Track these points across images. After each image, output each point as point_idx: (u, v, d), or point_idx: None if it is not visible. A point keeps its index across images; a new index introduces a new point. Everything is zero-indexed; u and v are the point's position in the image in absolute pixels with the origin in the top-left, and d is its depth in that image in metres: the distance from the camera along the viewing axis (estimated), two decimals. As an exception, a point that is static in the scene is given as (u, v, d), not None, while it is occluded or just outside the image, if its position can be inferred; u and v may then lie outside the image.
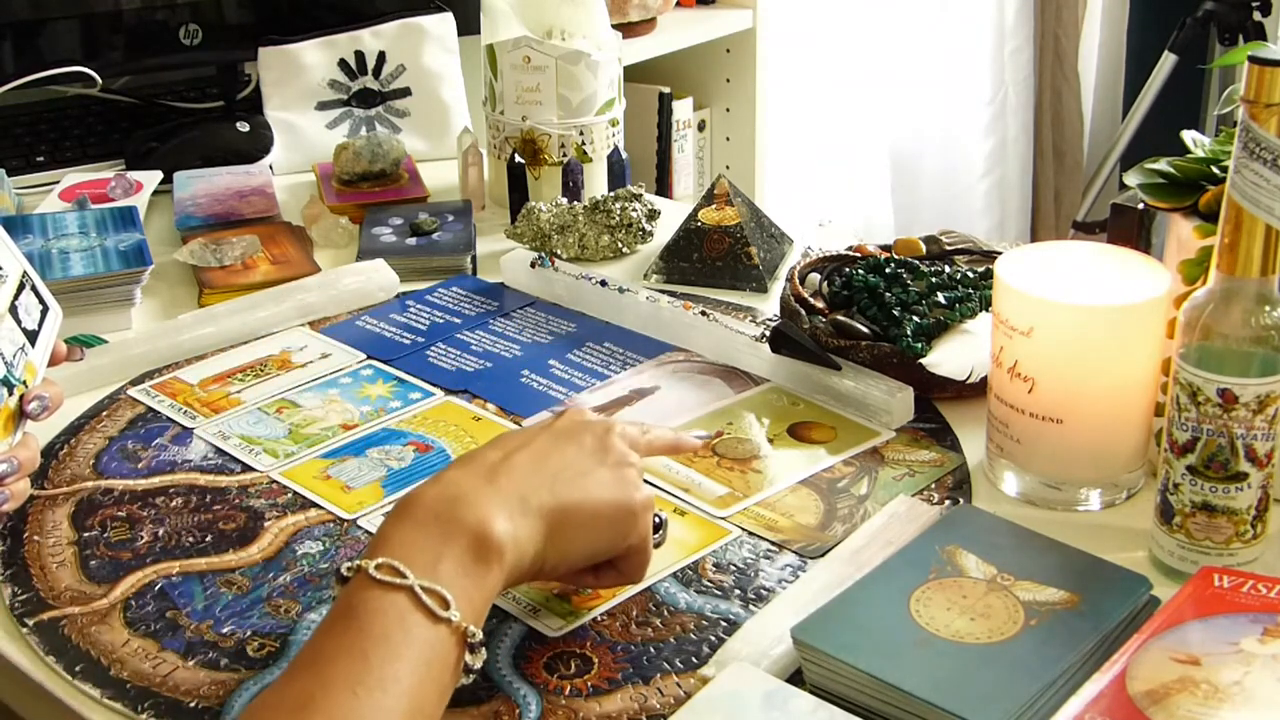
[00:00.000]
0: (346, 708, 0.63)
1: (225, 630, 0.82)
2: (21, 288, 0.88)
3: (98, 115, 1.63)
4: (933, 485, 0.94)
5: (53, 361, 0.91)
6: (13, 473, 0.85)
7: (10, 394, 0.84)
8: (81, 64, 1.55)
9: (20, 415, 0.86)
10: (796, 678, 0.75)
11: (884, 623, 0.75)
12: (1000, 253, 1.12)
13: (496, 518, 0.72)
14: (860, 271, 1.09)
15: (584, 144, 1.40)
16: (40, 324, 0.89)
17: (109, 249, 1.23)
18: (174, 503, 0.95)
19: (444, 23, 1.64)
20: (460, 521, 0.71)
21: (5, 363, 0.84)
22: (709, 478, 0.95)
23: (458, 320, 1.20)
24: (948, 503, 0.92)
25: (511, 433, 0.81)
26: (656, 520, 0.83)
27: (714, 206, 1.28)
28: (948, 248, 1.17)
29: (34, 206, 1.42)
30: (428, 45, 1.63)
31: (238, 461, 0.99)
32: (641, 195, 1.34)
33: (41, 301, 0.90)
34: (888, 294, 1.06)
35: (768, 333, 1.07)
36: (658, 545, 0.83)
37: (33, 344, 0.88)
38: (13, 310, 0.86)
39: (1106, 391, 0.88)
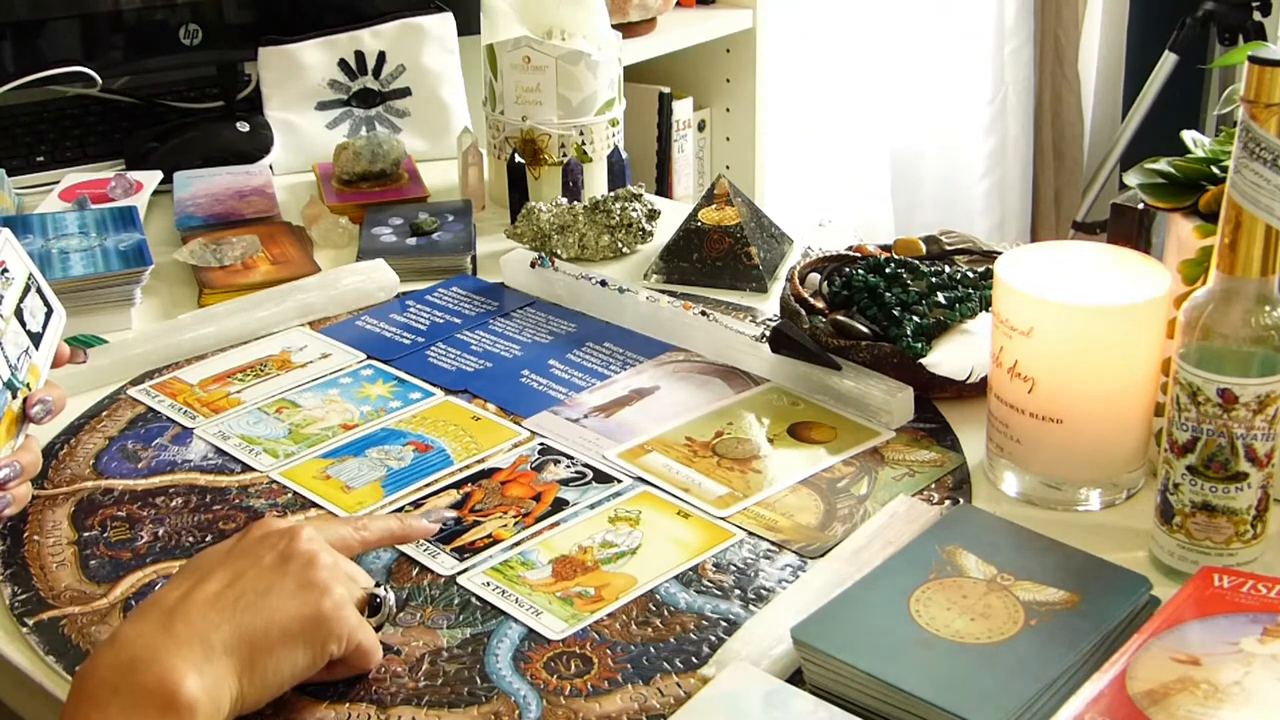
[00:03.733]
0: None
1: (225, 630, 0.82)
2: (27, 290, 0.88)
3: (98, 115, 1.63)
4: (933, 485, 0.94)
5: (56, 363, 0.91)
6: (14, 477, 0.85)
7: (14, 397, 0.84)
8: (81, 64, 1.55)
9: (23, 419, 0.86)
10: (796, 678, 0.75)
11: (884, 623, 0.75)
12: (1000, 253, 1.12)
13: (181, 674, 0.66)
14: (860, 271, 1.09)
15: (584, 144, 1.40)
16: (44, 326, 0.89)
17: (109, 249, 1.23)
18: (174, 503, 0.95)
19: (444, 23, 1.64)
20: (141, 689, 0.66)
21: (10, 366, 0.84)
22: (709, 478, 0.95)
23: (458, 320, 1.20)
24: (948, 503, 0.92)
25: (198, 558, 0.76)
26: (375, 600, 0.78)
27: (714, 206, 1.28)
28: (948, 248, 1.17)
29: (34, 206, 1.42)
30: (428, 45, 1.63)
31: (238, 461, 0.99)
32: (641, 195, 1.34)
33: (46, 304, 0.90)
34: (888, 294, 1.06)
35: (768, 333, 1.07)
36: (381, 625, 0.79)
37: (37, 346, 0.88)
38: (18, 313, 0.86)
39: (1106, 391, 0.88)
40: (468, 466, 0.98)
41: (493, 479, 0.96)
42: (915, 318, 1.03)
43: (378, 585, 0.79)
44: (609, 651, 0.79)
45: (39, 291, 0.90)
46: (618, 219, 1.31)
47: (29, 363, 0.87)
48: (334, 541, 0.78)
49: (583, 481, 0.95)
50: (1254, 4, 2.72)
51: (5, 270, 0.86)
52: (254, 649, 0.70)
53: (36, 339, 0.88)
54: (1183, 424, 0.80)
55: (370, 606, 0.77)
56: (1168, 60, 2.82)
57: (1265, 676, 0.68)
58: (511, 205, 1.38)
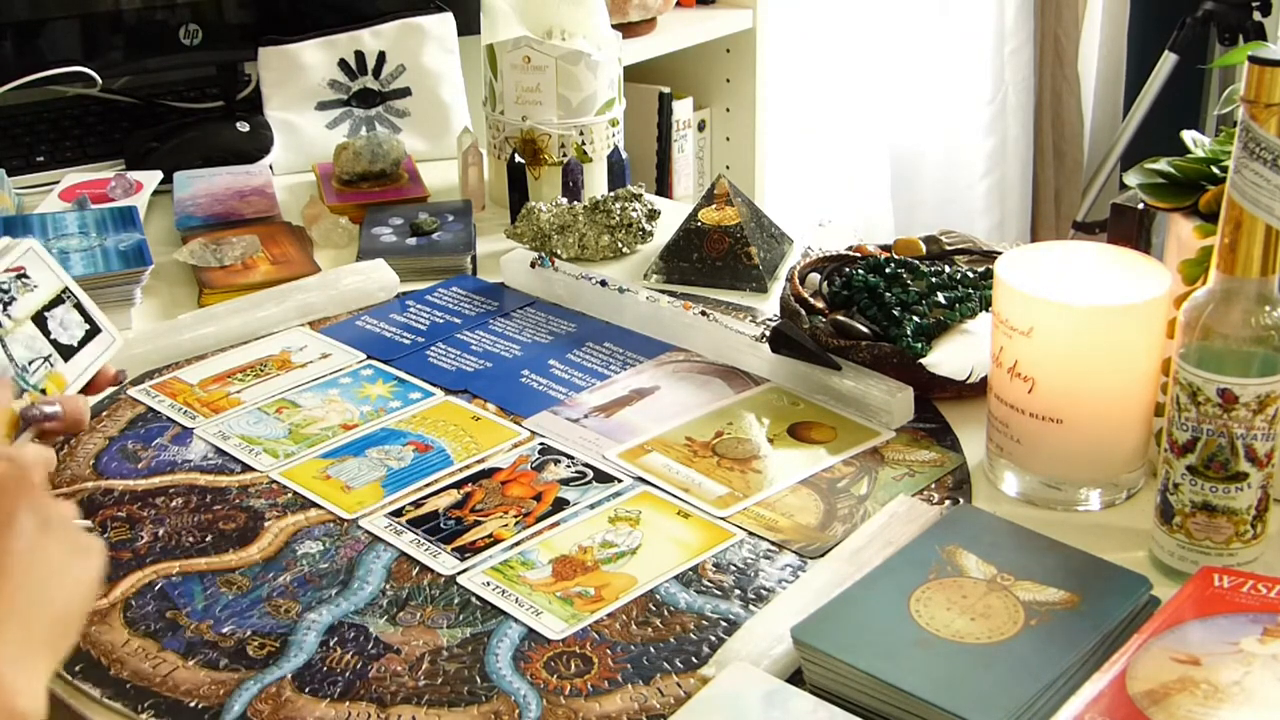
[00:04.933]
0: None
1: (225, 630, 0.82)
2: (58, 301, 0.90)
3: (98, 115, 1.63)
4: (933, 485, 0.94)
5: (95, 386, 0.92)
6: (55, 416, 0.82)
7: (18, 397, 0.84)
8: (81, 64, 1.55)
9: (25, 423, 0.84)
10: (796, 678, 0.75)
11: (884, 623, 0.75)
12: (1000, 253, 1.12)
13: (14, 685, 0.62)
14: (860, 271, 1.09)
15: (584, 144, 1.40)
16: (82, 343, 0.91)
17: (109, 249, 1.23)
18: (174, 503, 0.95)
19: (444, 23, 1.64)
20: None
21: (17, 366, 0.85)
22: (709, 478, 0.95)
23: (458, 320, 1.20)
24: (948, 503, 0.92)
25: None
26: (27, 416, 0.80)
27: (714, 206, 1.28)
28: (948, 248, 1.17)
29: (34, 206, 1.42)
30: (428, 45, 1.62)
31: (238, 461, 0.99)
32: (641, 195, 1.34)
33: (89, 323, 0.92)
34: (888, 294, 1.06)
35: (768, 333, 1.07)
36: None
37: (66, 358, 0.89)
38: (41, 320, 0.88)
39: (1106, 391, 0.88)
40: (468, 466, 0.98)
41: (493, 479, 0.96)
42: (915, 318, 1.03)
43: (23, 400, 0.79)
44: (609, 651, 0.79)
45: (79, 308, 0.92)
46: (618, 219, 1.31)
47: (47, 370, 0.88)
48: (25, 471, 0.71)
49: (583, 481, 0.95)
50: (1254, 4, 2.72)
51: (23, 276, 0.88)
52: (65, 632, 0.66)
53: (67, 352, 0.90)
54: (1183, 424, 0.80)
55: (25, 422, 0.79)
56: (1168, 60, 2.82)
57: (1265, 676, 0.68)
58: (511, 205, 1.38)
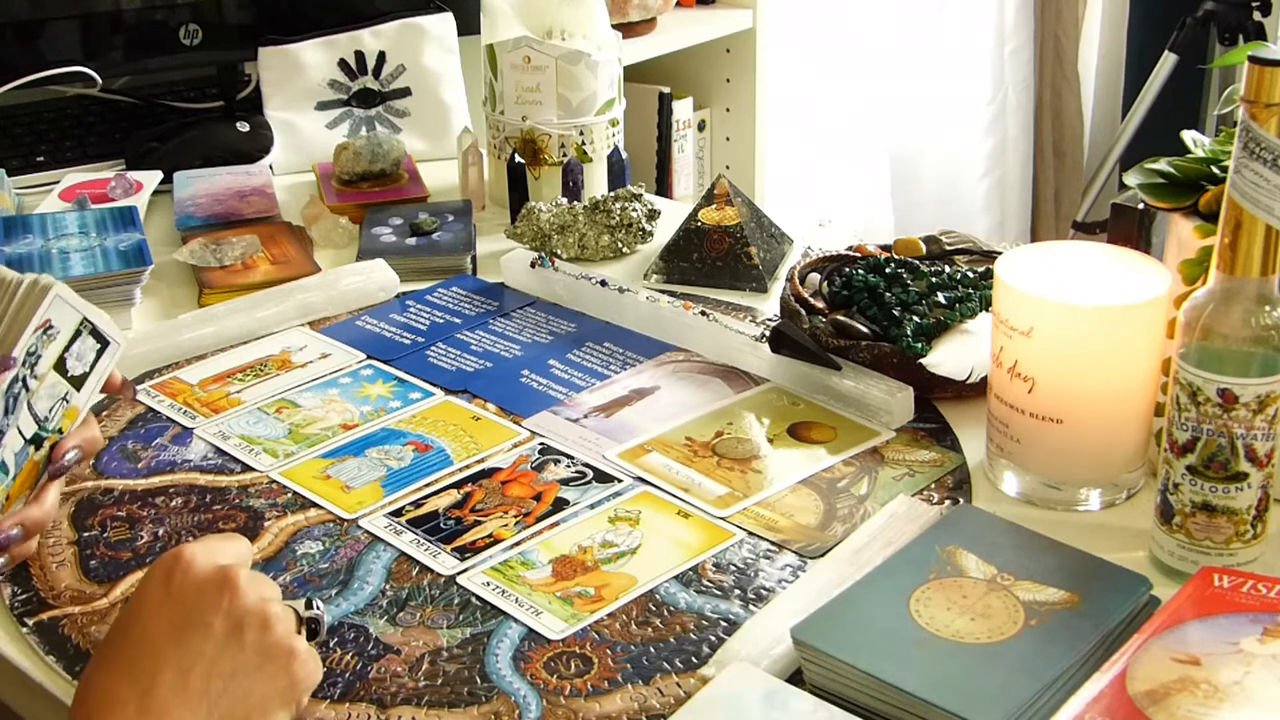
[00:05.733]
0: None
1: (225, 630, 0.82)
2: (76, 335, 0.86)
3: (98, 115, 1.63)
4: (933, 485, 0.94)
5: (105, 389, 0.89)
6: (16, 540, 0.82)
7: (39, 449, 0.83)
8: (81, 64, 1.55)
9: (47, 465, 0.83)
10: (796, 678, 0.75)
11: (884, 623, 0.75)
12: (1000, 253, 1.12)
13: None
14: (860, 271, 1.09)
15: (584, 144, 1.40)
16: (93, 364, 0.87)
17: (109, 249, 1.23)
18: (174, 503, 0.95)
19: (444, 23, 1.64)
20: None
21: (38, 421, 0.83)
22: (709, 478, 0.95)
23: (458, 320, 1.20)
24: (948, 503, 0.92)
25: (135, 633, 0.69)
26: (313, 625, 0.74)
27: (714, 206, 1.28)
28: (948, 248, 1.17)
29: (34, 206, 1.42)
30: (428, 45, 1.63)
31: (238, 461, 0.99)
32: (641, 195, 1.34)
33: (100, 339, 0.88)
34: (888, 294, 1.06)
35: (768, 333, 1.07)
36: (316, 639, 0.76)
37: (79, 387, 0.86)
38: (60, 364, 0.85)
39: (1106, 391, 0.88)
40: (468, 466, 0.98)
41: (493, 479, 0.96)
42: (915, 318, 1.03)
43: (306, 603, 0.74)
44: (609, 651, 0.79)
45: (93, 332, 0.87)
46: (618, 219, 1.31)
47: (64, 408, 0.85)
48: (242, 560, 0.73)
49: (583, 481, 0.95)
50: (1254, 4, 2.72)
51: (49, 329, 0.84)
52: None
53: (80, 381, 0.86)
54: (1183, 424, 0.80)
55: (308, 631, 0.74)
56: (1168, 60, 2.82)
57: (1265, 676, 0.68)
58: (511, 205, 1.38)
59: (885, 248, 1.17)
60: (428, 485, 0.96)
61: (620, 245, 1.31)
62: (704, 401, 1.05)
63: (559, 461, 0.98)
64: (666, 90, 2.26)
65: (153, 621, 0.69)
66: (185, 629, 0.69)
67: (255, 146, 1.56)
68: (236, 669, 0.68)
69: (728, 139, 2.38)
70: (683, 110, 2.31)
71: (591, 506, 0.93)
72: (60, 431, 0.84)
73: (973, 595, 0.77)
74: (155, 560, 0.73)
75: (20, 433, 0.81)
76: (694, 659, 0.78)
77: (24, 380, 0.82)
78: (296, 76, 1.59)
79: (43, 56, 1.54)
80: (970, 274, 1.09)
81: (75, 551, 0.90)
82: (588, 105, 1.39)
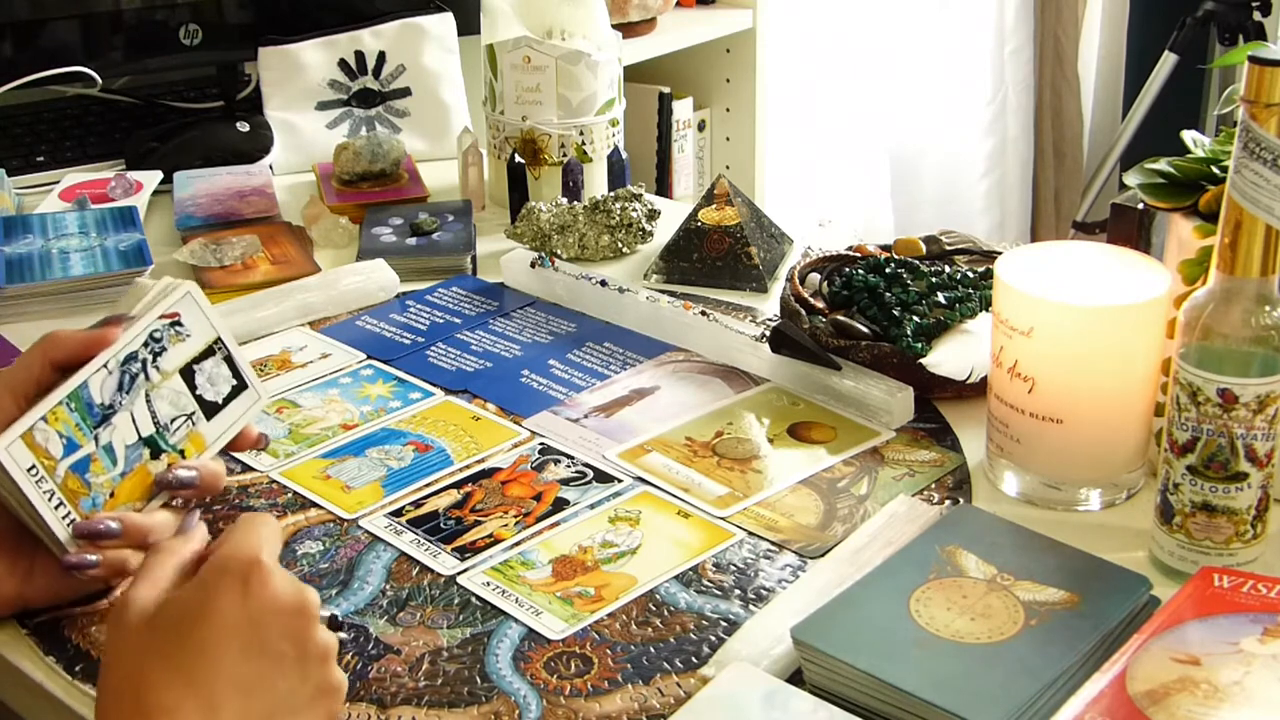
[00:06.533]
0: None
1: (225, 630, 0.82)
2: (209, 353, 0.85)
3: (98, 115, 1.63)
4: (933, 485, 0.94)
5: (238, 445, 0.88)
6: (114, 536, 0.79)
7: (153, 458, 0.82)
8: (81, 64, 1.55)
9: (158, 486, 0.82)
10: (796, 678, 0.75)
11: (884, 623, 0.75)
12: (1000, 253, 1.12)
13: None
14: (860, 271, 1.09)
15: (584, 144, 1.40)
16: (227, 400, 0.86)
17: (109, 249, 1.23)
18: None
19: (444, 23, 1.64)
20: None
21: (156, 423, 0.81)
22: (709, 478, 0.95)
23: (458, 320, 1.20)
24: (948, 503, 0.92)
25: (186, 637, 0.65)
26: (335, 622, 0.73)
27: (714, 206, 1.28)
28: (948, 248, 1.18)
29: (34, 206, 1.42)
30: (428, 45, 1.63)
31: (238, 461, 0.99)
32: (641, 195, 1.34)
33: (238, 378, 0.86)
34: (888, 294, 1.06)
35: (768, 333, 1.07)
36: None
37: (209, 417, 0.84)
38: (188, 374, 0.83)
39: (1106, 391, 0.88)
40: (468, 466, 0.98)
41: (493, 479, 0.96)
42: (915, 318, 1.03)
43: (331, 620, 0.72)
44: (609, 651, 0.79)
45: (228, 361, 0.86)
46: (618, 219, 1.31)
47: (189, 429, 0.83)
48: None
49: (583, 481, 0.95)
50: (1254, 4, 2.72)
51: (177, 324, 0.83)
52: None
53: (211, 409, 0.85)
54: (1183, 424, 0.80)
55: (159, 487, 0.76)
56: (1168, 60, 2.82)
57: (1265, 676, 0.68)
58: (511, 205, 1.38)
59: (885, 248, 1.17)
60: (428, 485, 0.96)
61: (620, 245, 1.31)
62: (704, 401, 1.05)
63: (559, 461, 0.98)
64: (666, 90, 2.26)
65: (224, 635, 0.65)
66: (260, 656, 0.66)
67: (255, 146, 1.57)
68: (296, 705, 0.66)
69: (728, 139, 2.38)
70: (683, 110, 2.31)
71: (591, 506, 0.93)
72: (182, 454, 0.83)
73: (973, 595, 0.77)
74: (221, 551, 0.68)
75: (134, 423, 0.80)
76: (694, 659, 0.78)
77: (144, 365, 0.81)
78: (296, 76, 1.59)
79: (43, 56, 1.54)
80: (970, 274, 1.09)
81: (75, 551, 0.90)
82: (588, 105, 1.39)
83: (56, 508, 0.77)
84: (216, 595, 0.66)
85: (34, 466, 0.76)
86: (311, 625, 0.68)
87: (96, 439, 0.79)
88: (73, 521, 0.78)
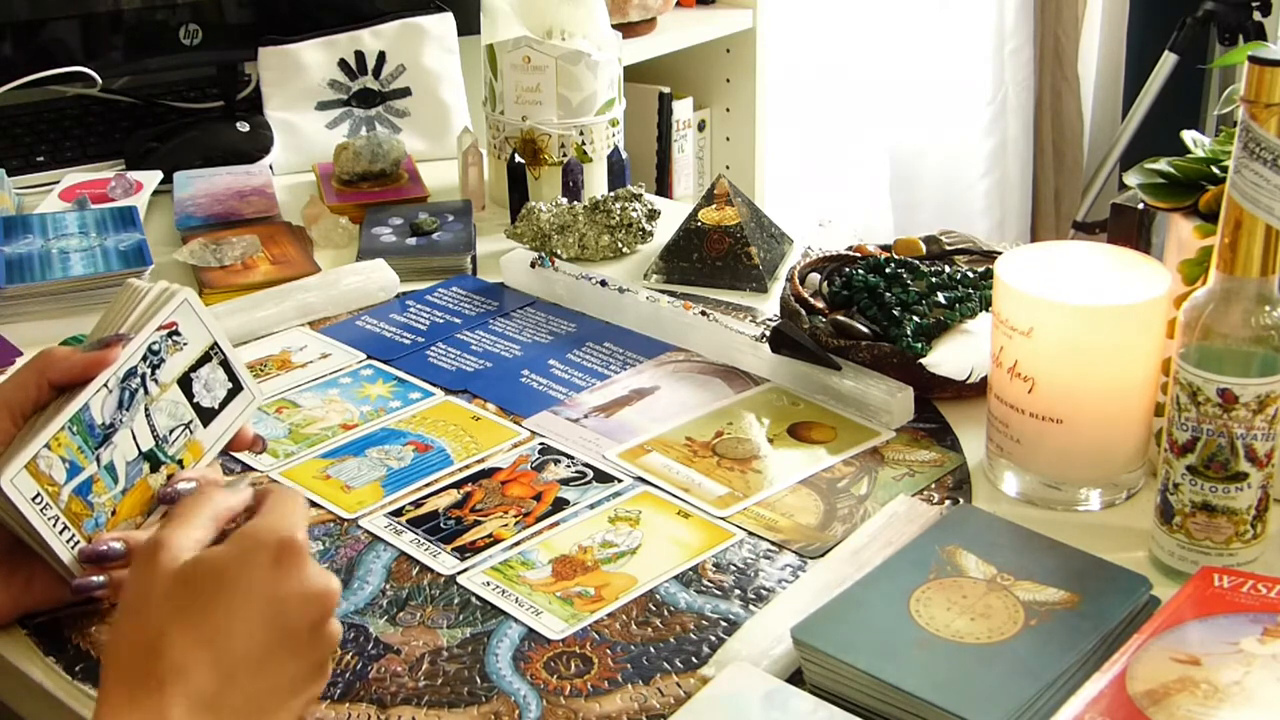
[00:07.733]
0: None
1: (225, 630, 0.82)
2: (205, 359, 0.84)
3: (98, 115, 1.63)
4: (933, 485, 0.94)
5: (234, 447, 0.87)
6: (118, 558, 0.78)
7: (153, 471, 0.81)
8: (81, 64, 1.55)
9: (158, 500, 0.82)
10: (796, 678, 0.75)
11: (884, 623, 0.75)
12: (1000, 253, 1.12)
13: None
14: (860, 271, 1.09)
15: (584, 144, 1.40)
16: (223, 404, 0.85)
17: (109, 249, 1.23)
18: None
19: (444, 23, 1.64)
20: None
21: (156, 437, 0.81)
22: (709, 478, 0.95)
23: (458, 320, 1.20)
24: (948, 503, 0.92)
25: (211, 599, 0.65)
26: None
27: (714, 206, 1.28)
28: (948, 248, 1.18)
29: (34, 206, 1.42)
30: (428, 45, 1.63)
31: (238, 461, 0.99)
32: (641, 195, 1.34)
33: (233, 380, 0.86)
34: (888, 294, 1.06)
35: (768, 333, 1.07)
36: None
37: (205, 423, 0.84)
38: (185, 381, 0.83)
39: (1106, 391, 0.88)
40: (468, 466, 0.98)
41: (493, 479, 0.96)
42: (915, 318, 1.03)
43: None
44: (609, 651, 0.79)
45: (224, 365, 0.85)
46: (618, 219, 1.31)
47: (187, 438, 0.82)
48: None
49: (583, 481, 0.95)
50: (1254, 4, 2.72)
51: (175, 334, 0.82)
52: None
53: (207, 415, 0.84)
54: (1183, 424, 0.80)
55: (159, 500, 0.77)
56: (1168, 60, 2.82)
57: (1265, 676, 0.68)
58: (511, 205, 1.38)
59: (885, 248, 1.17)
60: (428, 485, 0.96)
61: (620, 245, 1.31)
62: (704, 401, 1.05)
63: (559, 461, 0.98)
64: (666, 90, 2.26)
65: (250, 607, 0.65)
66: (278, 633, 0.66)
67: (255, 146, 1.57)
68: (296, 687, 0.67)
69: (728, 139, 2.38)
70: (683, 110, 2.31)
71: (591, 506, 0.93)
72: (180, 464, 0.83)
73: (973, 595, 0.77)
74: (260, 522, 0.68)
75: (135, 439, 0.80)
76: (694, 659, 0.78)
77: (144, 380, 0.80)
78: (296, 76, 1.59)
79: (43, 56, 1.54)
80: (970, 274, 1.09)
81: (75, 551, 0.90)
82: (588, 105, 1.39)
83: (61, 533, 0.77)
84: (250, 566, 0.66)
85: (38, 495, 0.75)
86: (330, 613, 0.68)
87: (98, 460, 0.78)
88: (77, 544, 0.77)
